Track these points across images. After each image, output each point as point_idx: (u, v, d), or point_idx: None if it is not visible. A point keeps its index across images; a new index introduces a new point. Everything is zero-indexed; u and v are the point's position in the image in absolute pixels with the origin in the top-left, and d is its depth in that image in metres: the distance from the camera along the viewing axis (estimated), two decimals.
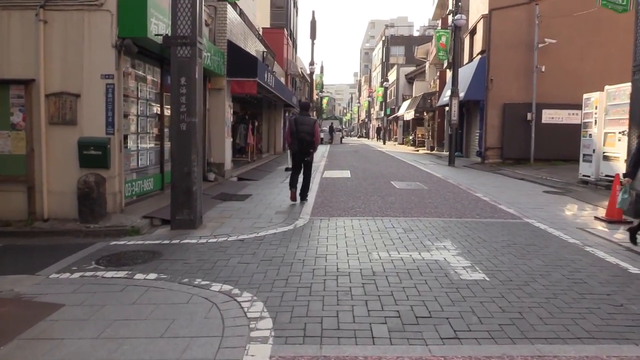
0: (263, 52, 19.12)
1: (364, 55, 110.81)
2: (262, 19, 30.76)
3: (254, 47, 17.51)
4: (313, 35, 34.23)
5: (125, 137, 8.15)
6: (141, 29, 7.20)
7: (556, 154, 18.81)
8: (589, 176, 12.04)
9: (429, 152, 29.82)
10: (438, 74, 30.62)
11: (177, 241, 6.31)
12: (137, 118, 8.62)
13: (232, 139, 15.46)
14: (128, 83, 8.20)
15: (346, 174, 15.13)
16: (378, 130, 70.53)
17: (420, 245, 6.07)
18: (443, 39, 19.84)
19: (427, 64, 39.19)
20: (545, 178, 13.98)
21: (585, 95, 12.37)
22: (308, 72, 36.84)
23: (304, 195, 9.50)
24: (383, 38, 65.79)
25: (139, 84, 8.65)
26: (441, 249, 5.90)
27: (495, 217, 8.10)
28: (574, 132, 18.68)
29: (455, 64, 19.02)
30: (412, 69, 48.34)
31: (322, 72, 52.97)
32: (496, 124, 19.22)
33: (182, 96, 6.78)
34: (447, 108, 27.63)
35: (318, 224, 7.34)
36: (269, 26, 30.82)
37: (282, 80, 26.96)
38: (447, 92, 23.04)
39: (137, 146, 8.69)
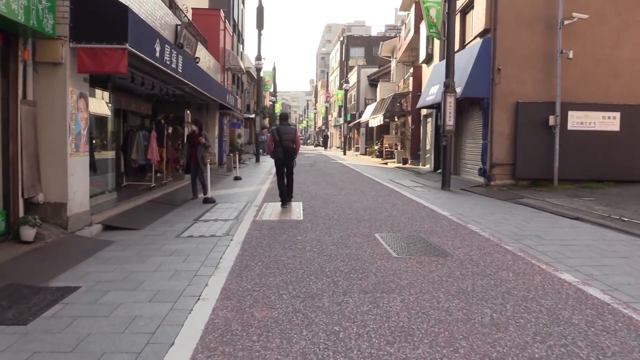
0: (177, 25, 13.15)
1: (320, 60, 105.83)
2: (198, 2, 24.74)
3: (159, 18, 11.55)
4: (260, 25, 28.30)
5: None
6: None
7: (587, 173, 13.69)
8: None
9: (401, 165, 24.39)
10: (411, 70, 25.32)
11: None
12: None
13: (94, 154, 9.57)
14: None
15: (296, 211, 9.34)
16: (325, 138, 64.85)
17: None
18: (433, 12, 14.48)
19: (394, 63, 34.03)
20: (620, 219, 8.59)
21: None
22: (255, 68, 30.89)
23: (289, 197, 10.05)
24: (341, 38, 60.60)
25: None
26: None
27: None
28: (610, 143, 13.71)
29: (449, 47, 13.60)
30: (375, 70, 43.21)
31: (274, 71, 46.85)
32: (506, 132, 13.87)
33: None
34: (423, 112, 22.38)
35: None
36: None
37: (218, 77, 21.01)
38: (432, 90, 17.65)
39: None
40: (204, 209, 9.76)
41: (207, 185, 10.97)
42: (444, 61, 17.23)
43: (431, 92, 17.60)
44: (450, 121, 13.46)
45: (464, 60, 14.87)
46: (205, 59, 17.63)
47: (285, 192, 9.90)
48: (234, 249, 6.28)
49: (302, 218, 8.56)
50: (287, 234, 7.22)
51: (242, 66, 27.79)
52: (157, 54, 8.34)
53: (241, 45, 36.05)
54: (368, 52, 57.93)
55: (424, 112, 22.49)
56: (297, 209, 9.65)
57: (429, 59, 21.38)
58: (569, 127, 13.68)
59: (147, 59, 7.73)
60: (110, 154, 10.18)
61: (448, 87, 13.41)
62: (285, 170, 9.93)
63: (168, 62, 9.10)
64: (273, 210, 9.56)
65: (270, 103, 52.93)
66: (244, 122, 34.97)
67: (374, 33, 72.01)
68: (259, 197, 11.54)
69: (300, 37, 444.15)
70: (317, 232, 7.35)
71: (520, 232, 7.52)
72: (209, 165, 11.23)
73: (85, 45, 6.84)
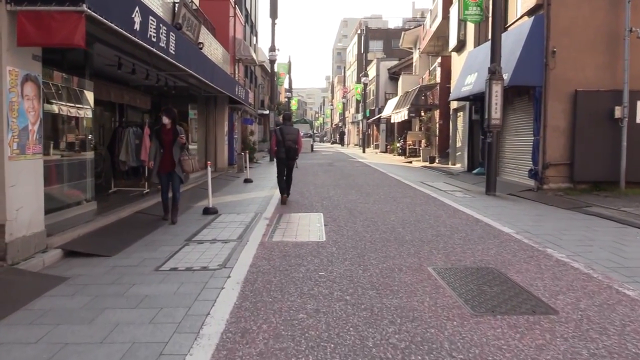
0: (174, 3, 11.25)
1: (336, 56, 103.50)
2: None
3: None
4: (274, 14, 26.38)
5: None
6: None
7: None
8: None
9: (428, 165, 22.28)
10: (438, 60, 23.16)
11: None
12: None
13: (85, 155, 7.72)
14: None
15: (316, 227, 7.39)
16: (342, 135, 64.64)
17: None
18: None
19: (417, 54, 31.86)
20: None
21: None
22: (269, 61, 28.94)
23: (288, 192, 10.31)
24: (359, 31, 58.42)
25: None
26: None
27: None
28: None
29: (495, 25, 11.51)
30: (395, 62, 41.02)
31: (289, 65, 44.82)
32: (562, 126, 11.74)
33: None
34: (453, 105, 20.27)
35: None
36: None
37: (227, 67, 19.14)
38: (468, 80, 15.55)
39: None
40: (202, 223, 7.86)
41: (178, 199, 7.91)
42: (483, 46, 15.21)
43: (467, 82, 15.49)
44: (496, 114, 11.39)
45: (509, 43, 12.73)
46: (212, 46, 15.79)
47: (284, 188, 10.27)
48: (229, 294, 4.35)
49: (324, 239, 6.59)
50: (306, 266, 5.26)
51: (255, 57, 25.92)
52: (137, 27, 6.44)
53: (255, 37, 34.15)
54: (387, 45, 55.71)
55: (454, 105, 20.35)
56: (317, 223, 7.71)
57: (460, 46, 19.21)
58: (638, 120, 11.51)
59: (119, 29, 5.81)
60: (89, 155, 8.34)
61: (494, 73, 11.31)
62: (285, 169, 10.22)
63: (154, 40, 7.19)
64: (288, 225, 7.62)
65: (286, 99, 51.01)
66: (258, 119, 33.11)
67: (391, 27, 69.69)
68: (271, 206, 9.63)
69: (315, 34, 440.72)
70: (347, 262, 5.38)
71: (625, 263, 5.46)
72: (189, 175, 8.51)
73: (28, 7, 4.97)
